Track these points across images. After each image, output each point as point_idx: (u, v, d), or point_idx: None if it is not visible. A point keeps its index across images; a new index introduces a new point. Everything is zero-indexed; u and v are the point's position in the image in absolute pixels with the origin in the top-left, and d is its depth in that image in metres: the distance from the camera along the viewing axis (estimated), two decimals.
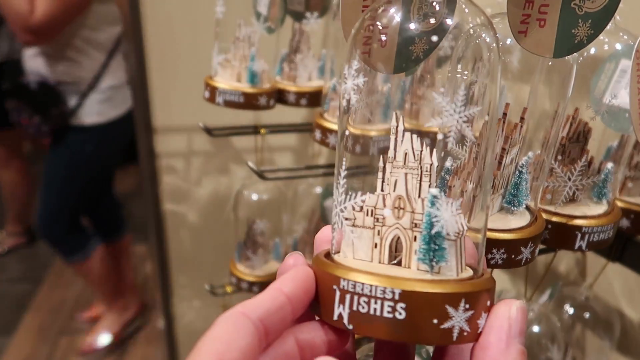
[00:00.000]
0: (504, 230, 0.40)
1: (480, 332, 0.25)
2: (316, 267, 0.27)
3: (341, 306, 0.25)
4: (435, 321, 0.23)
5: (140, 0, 0.90)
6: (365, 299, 0.24)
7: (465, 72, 0.33)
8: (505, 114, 0.41)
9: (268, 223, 0.88)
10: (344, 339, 0.27)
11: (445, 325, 0.24)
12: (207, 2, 0.77)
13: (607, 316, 0.64)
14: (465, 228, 0.27)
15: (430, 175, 0.28)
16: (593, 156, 0.48)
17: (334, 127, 0.62)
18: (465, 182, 0.43)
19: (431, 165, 0.28)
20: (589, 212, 0.47)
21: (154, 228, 1.06)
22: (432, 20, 0.30)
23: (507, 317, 0.24)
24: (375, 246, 0.28)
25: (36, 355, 1.69)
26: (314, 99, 0.77)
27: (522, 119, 0.41)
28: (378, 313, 0.24)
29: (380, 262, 0.27)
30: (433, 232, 0.26)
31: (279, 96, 0.77)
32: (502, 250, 0.40)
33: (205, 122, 0.80)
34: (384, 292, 0.24)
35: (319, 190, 0.89)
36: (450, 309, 0.24)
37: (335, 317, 0.25)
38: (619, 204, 0.53)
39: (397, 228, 0.28)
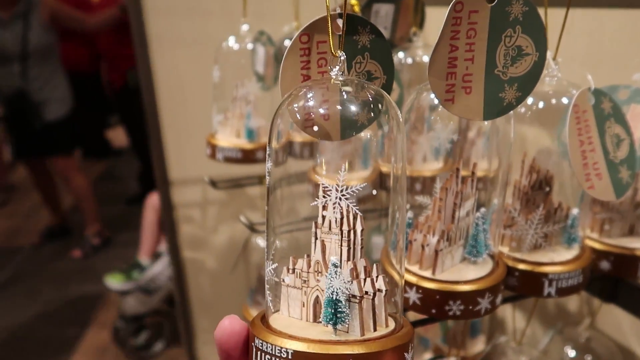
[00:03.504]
0: (459, 282, 0.41)
1: None
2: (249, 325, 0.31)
3: None
4: None
5: (153, 67, 0.98)
6: (269, 356, 0.28)
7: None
8: (458, 169, 0.44)
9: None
10: None
11: None
12: (211, 66, 0.83)
13: (609, 357, 0.62)
14: (370, 291, 0.29)
15: (348, 240, 0.31)
16: (561, 201, 0.49)
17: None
18: (426, 236, 0.45)
19: (349, 231, 0.31)
20: (557, 258, 0.47)
21: (175, 275, 1.12)
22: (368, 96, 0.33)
23: None
24: (303, 305, 0.31)
25: None
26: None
27: (473, 173, 0.43)
28: None
29: (307, 321, 0.30)
30: (332, 298, 0.29)
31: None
32: (458, 302, 0.41)
33: (216, 173, 0.85)
34: (280, 351, 0.28)
35: None
36: None
37: None
38: (598, 246, 0.52)
39: (317, 289, 0.31)
